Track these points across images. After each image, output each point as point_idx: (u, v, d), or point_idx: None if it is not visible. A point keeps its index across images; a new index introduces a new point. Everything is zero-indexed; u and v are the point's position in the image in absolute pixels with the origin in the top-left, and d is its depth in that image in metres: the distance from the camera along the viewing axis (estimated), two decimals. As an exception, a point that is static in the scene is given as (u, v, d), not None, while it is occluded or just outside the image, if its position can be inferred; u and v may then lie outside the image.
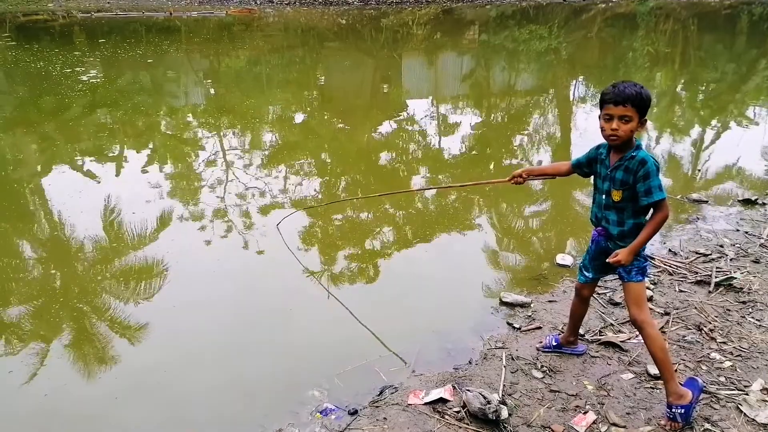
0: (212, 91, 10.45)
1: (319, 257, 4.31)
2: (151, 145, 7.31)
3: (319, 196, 5.39)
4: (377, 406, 2.79)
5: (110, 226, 4.85)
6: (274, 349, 3.31)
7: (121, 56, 13.08)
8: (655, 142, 7.30)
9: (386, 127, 8.07)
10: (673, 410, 2.51)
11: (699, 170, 6.19)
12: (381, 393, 2.90)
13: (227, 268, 4.17)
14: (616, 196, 2.47)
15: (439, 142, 7.60)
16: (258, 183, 5.76)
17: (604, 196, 2.55)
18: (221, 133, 7.76)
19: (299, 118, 8.61)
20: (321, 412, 2.76)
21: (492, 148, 7.31)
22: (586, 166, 2.71)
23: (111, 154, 6.90)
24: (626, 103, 2.29)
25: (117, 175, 6.21)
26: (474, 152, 7.21)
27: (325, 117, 8.81)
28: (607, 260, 2.51)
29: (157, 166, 6.44)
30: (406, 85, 10.84)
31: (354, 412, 2.75)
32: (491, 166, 6.68)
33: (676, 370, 2.85)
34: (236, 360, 3.22)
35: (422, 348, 3.25)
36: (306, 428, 2.67)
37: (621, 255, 2.45)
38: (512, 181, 2.94)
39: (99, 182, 5.86)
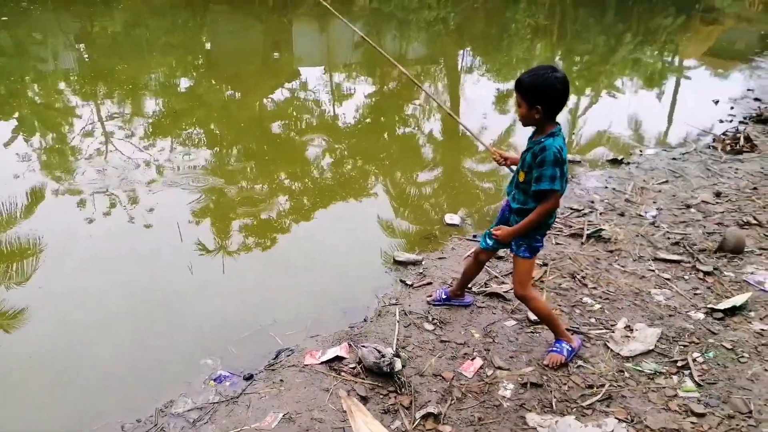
0: (86, 55, 9.56)
1: (212, 229, 4.15)
2: (17, 115, 6.58)
3: (209, 167, 5.16)
4: (273, 370, 2.78)
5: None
6: (164, 324, 3.17)
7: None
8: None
9: (278, 95, 7.86)
10: (562, 344, 2.75)
11: (574, 135, 6.67)
12: (277, 356, 2.89)
13: (112, 244, 3.90)
14: (521, 176, 2.54)
15: (333, 110, 7.53)
16: (142, 155, 5.40)
17: (515, 174, 2.64)
18: (98, 102, 7.16)
19: (185, 85, 8.14)
20: (215, 380, 2.70)
21: (386, 117, 7.37)
22: None
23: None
24: (516, 89, 2.39)
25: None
26: (368, 120, 7.23)
27: (213, 84, 8.41)
28: (491, 230, 2.65)
29: (25, 138, 5.84)
30: (297, 51, 10.56)
31: (249, 377, 2.72)
32: (385, 135, 6.75)
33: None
34: (125, 337, 3.05)
35: (318, 311, 3.26)
36: (199, 397, 2.60)
37: (501, 231, 2.60)
38: (494, 157, 2.84)
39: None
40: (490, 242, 2.87)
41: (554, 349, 2.77)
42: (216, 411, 2.51)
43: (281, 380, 2.68)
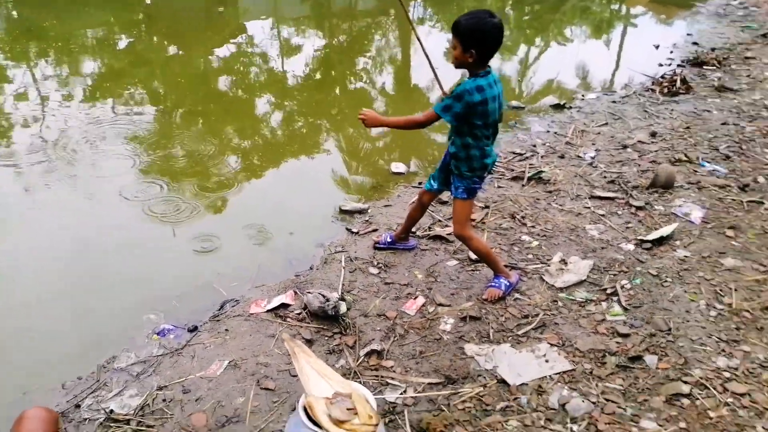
0: (14, 12, 9.02)
1: (155, 186, 4.06)
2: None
3: (152, 127, 5.02)
4: (218, 320, 2.80)
5: None
6: (104, 282, 3.13)
7: None
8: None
9: (224, 51, 7.62)
10: (500, 279, 2.86)
11: (523, 83, 6.73)
12: (222, 307, 2.91)
13: (50, 204, 3.80)
14: None
15: (282, 65, 7.37)
16: (80, 116, 5.19)
17: None
18: (31, 63, 6.81)
19: (124, 43, 7.80)
20: (158, 333, 2.71)
21: (336, 71, 7.27)
22: None
23: None
24: (453, 32, 2.40)
25: None
26: (318, 76, 7.11)
27: (155, 41, 8.09)
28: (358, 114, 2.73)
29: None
30: (242, 3, 10.20)
31: (194, 329, 2.74)
32: (336, 90, 6.66)
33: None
34: (65, 297, 3.01)
35: (264, 262, 3.28)
36: (143, 351, 2.61)
37: (368, 113, 2.71)
38: None
39: None
40: (434, 184, 2.93)
41: (492, 284, 2.88)
42: (160, 363, 2.53)
43: (226, 330, 2.72)
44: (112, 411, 2.25)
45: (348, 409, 1.96)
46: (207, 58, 7.29)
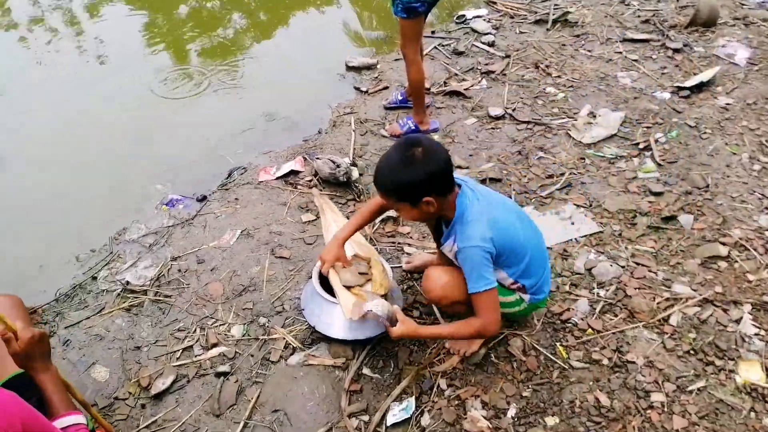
0: None
1: (161, 53, 3.75)
2: None
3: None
4: (227, 189, 2.68)
5: None
6: (110, 155, 2.98)
7: None
8: None
9: None
10: (410, 121, 2.82)
11: None
12: (229, 176, 2.78)
13: (56, 77, 3.59)
14: None
15: None
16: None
17: None
18: None
19: None
20: (167, 204, 2.61)
21: None
22: None
23: None
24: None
25: None
26: None
27: None
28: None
29: None
30: None
31: (203, 198, 2.63)
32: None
33: (515, 109, 2.96)
34: (72, 173, 2.89)
35: (270, 127, 3.09)
36: (153, 222, 2.53)
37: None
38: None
39: None
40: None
41: (400, 122, 2.85)
42: (172, 234, 2.45)
43: (236, 199, 2.60)
44: (128, 282, 2.22)
45: (361, 274, 1.91)
46: None
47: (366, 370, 1.87)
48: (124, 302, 2.16)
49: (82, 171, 2.90)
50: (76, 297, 2.21)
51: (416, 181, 1.50)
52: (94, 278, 2.27)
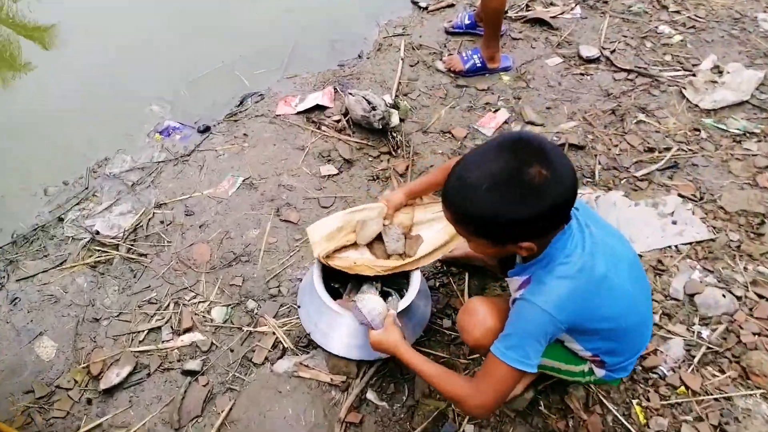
0: None
1: None
2: None
3: None
4: (236, 120, 2.17)
5: None
6: (109, 61, 2.49)
7: None
8: None
9: None
10: (477, 55, 2.21)
11: None
12: (242, 103, 2.25)
13: None
14: None
15: None
16: None
17: None
18: None
19: None
20: (161, 132, 2.13)
21: None
22: None
23: None
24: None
25: None
26: None
27: None
28: None
29: None
30: None
31: (205, 130, 2.14)
32: None
33: (614, 51, 2.28)
34: (60, 75, 2.43)
35: (301, 43, 2.50)
36: (141, 154, 2.07)
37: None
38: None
39: None
40: None
41: (463, 55, 2.23)
42: (161, 172, 2.00)
43: (245, 134, 2.10)
44: (97, 232, 1.81)
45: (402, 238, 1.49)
46: None
47: (371, 395, 1.42)
48: (90, 256, 1.75)
49: (71, 73, 2.43)
50: (36, 241, 1.82)
51: (522, 220, 0.95)
52: (61, 219, 1.86)
